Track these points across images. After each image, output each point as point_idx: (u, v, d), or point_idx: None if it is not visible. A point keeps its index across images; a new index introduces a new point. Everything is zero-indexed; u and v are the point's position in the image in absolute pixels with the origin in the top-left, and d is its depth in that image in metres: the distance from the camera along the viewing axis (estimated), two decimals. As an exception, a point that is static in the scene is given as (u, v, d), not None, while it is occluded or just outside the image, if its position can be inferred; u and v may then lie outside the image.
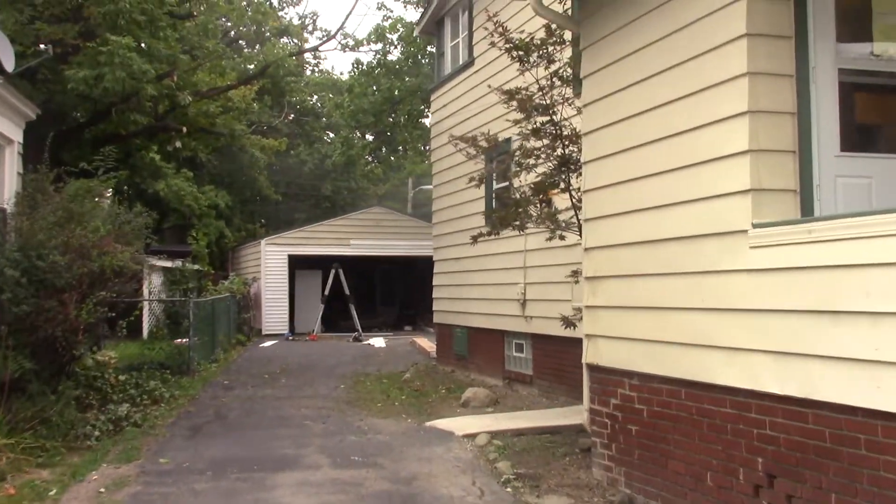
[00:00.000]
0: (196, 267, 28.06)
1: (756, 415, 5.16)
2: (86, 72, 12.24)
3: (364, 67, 24.79)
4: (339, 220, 28.35)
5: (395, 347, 22.11)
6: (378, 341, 23.78)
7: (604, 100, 7.04)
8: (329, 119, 49.05)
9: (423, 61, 23.63)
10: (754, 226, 5.17)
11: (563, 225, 9.01)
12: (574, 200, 8.80)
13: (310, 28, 44.89)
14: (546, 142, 8.84)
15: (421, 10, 21.00)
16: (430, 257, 29.15)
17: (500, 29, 8.43)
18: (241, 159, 33.66)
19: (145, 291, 24.72)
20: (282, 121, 33.72)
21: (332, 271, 25.54)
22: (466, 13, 15.56)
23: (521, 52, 8.50)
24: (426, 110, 23.90)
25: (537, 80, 8.72)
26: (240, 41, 32.52)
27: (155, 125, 16.04)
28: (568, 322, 8.89)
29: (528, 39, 8.49)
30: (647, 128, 6.35)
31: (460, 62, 15.94)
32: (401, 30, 23.91)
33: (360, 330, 25.28)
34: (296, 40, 46.18)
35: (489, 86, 11.47)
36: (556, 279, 11.73)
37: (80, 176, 11.31)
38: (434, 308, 17.11)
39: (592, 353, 7.18)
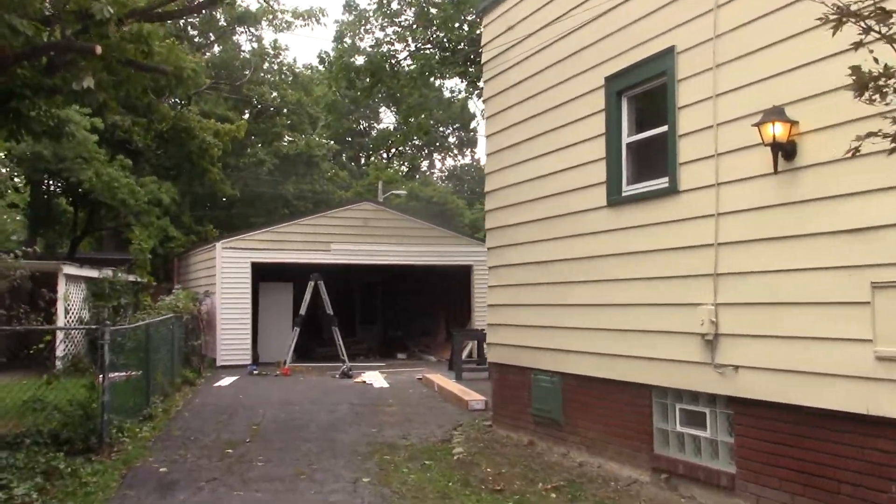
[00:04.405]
0: (131, 278, 21.85)
1: None
2: None
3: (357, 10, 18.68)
4: (317, 218, 22.27)
5: (402, 388, 16.11)
6: (374, 378, 17.75)
7: None
8: (292, 116, 43.00)
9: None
10: None
11: None
12: None
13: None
14: None
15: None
16: (432, 266, 23.36)
17: None
18: (190, 147, 27.35)
19: (60, 310, 18.56)
20: (245, 82, 27.51)
21: (311, 283, 19.45)
22: None
23: None
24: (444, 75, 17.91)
25: None
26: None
27: (51, 43, 10.02)
28: None
29: None
30: None
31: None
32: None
33: (348, 360, 19.22)
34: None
35: None
36: (811, 298, 6.04)
37: None
38: (490, 339, 11.24)
39: None
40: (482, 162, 75.75)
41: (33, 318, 10.16)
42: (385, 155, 71.45)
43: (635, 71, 8.12)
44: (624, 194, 8.31)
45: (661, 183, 7.73)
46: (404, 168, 71.13)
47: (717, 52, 7.00)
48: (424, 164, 77.01)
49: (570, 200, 9.16)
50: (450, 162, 79.56)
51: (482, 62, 11.47)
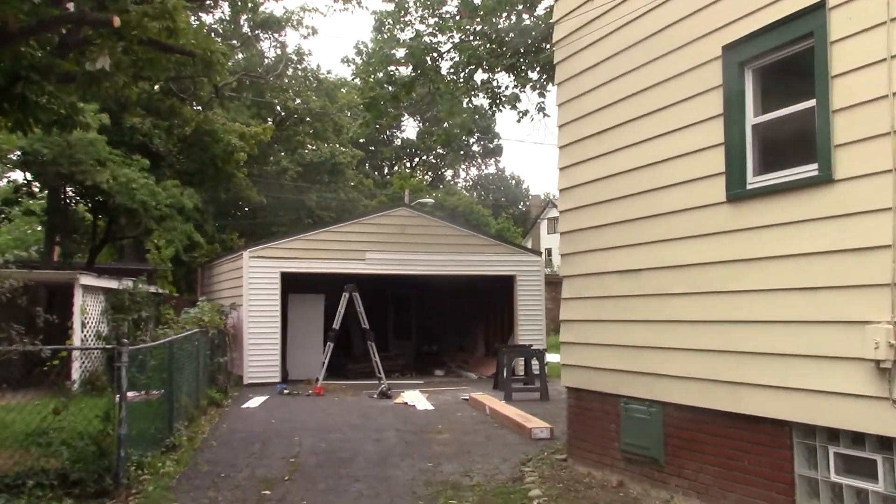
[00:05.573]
0: (152, 289, 20.57)
1: None
2: None
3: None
4: (350, 225, 20.83)
5: (449, 411, 14.62)
6: (415, 398, 16.28)
7: None
8: (315, 123, 41.86)
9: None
10: None
11: None
12: None
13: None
14: None
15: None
16: (472, 276, 21.74)
17: None
18: (214, 150, 26.05)
19: (76, 323, 17.25)
20: (281, 72, 26.17)
21: (346, 295, 18.04)
22: None
23: None
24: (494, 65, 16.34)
25: None
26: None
27: (61, 15, 8.69)
28: None
29: None
30: None
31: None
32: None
33: (385, 378, 17.77)
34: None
35: None
36: None
37: None
38: (563, 360, 9.73)
39: None
40: (507, 171, 74.07)
41: (27, 341, 8.73)
42: (409, 164, 70.41)
43: (767, 35, 6.62)
44: (749, 187, 6.80)
45: (807, 171, 6.22)
46: (428, 177, 69.96)
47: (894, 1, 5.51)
48: (448, 174, 75.90)
49: (671, 197, 7.67)
50: (473, 171, 78.41)
51: (553, 42, 10.01)
